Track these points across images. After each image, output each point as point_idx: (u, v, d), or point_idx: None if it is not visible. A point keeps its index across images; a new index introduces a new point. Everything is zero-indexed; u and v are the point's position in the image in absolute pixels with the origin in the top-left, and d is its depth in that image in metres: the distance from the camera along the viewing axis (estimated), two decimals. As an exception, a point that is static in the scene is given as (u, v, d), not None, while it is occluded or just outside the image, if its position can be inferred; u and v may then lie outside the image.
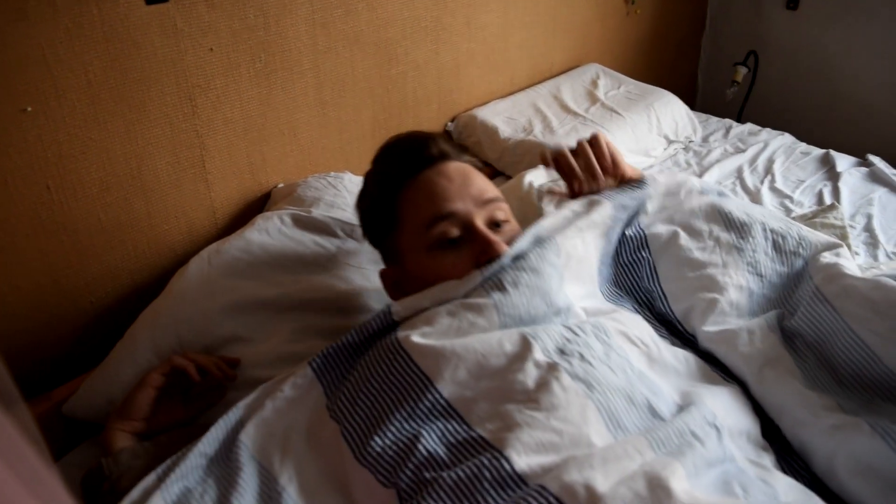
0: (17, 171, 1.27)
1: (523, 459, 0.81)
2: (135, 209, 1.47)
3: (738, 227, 1.22)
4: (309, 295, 1.33)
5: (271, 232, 1.44)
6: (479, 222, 1.11)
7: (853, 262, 1.18)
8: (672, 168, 2.21)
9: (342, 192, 1.60)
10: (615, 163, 1.25)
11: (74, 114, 1.31)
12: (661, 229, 1.24)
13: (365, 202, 1.26)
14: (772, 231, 1.23)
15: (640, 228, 1.26)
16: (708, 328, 1.12)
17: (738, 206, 1.28)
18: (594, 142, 1.24)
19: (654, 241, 1.24)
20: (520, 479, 0.79)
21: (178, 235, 1.56)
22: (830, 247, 1.22)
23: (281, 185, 1.70)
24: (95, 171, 1.38)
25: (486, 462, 0.81)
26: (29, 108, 1.25)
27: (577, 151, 1.25)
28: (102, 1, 1.29)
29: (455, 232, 1.10)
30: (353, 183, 1.64)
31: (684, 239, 1.22)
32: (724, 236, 1.21)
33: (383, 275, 1.23)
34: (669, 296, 1.20)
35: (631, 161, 2.12)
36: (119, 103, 1.37)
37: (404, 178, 1.16)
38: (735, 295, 1.14)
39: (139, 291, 1.52)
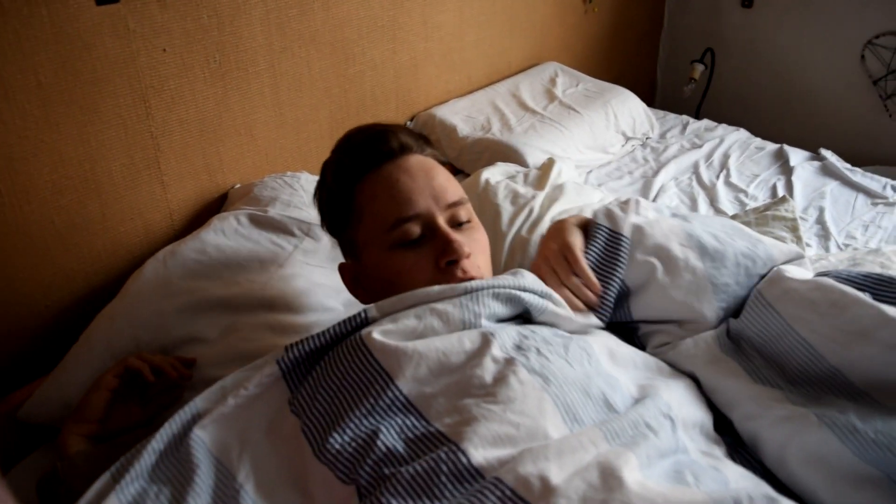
0: (-34, 175, 1.26)
1: (480, 453, 0.81)
2: (89, 212, 1.46)
3: (711, 256, 1.18)
4: (266, 293, 1.34)
5: (227, 232, 1.44)
6: (442, 221, 1.09)
7: (805, 272, 1.19)
8: (630, 164, 2.24)
9: (299, 192, 1.60)
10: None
11: (25, 116, 1.30)
12: (638, 259, 1.19)
13: (322, 193, 1.22)
14: (743, 256, 1.21)
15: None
16: (656, 341, 1.16)
17: (704, 229, 1.24)
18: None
19: (629, 276, 1.20)
20: (476, 473, 0.80)
21: (135, 237, 1.55)
22: (793, 259, 1.23)
23: (238, 186, 1.69)
24: (48, 173, 1.36)
25: (443, 456, 0.82)
26: (-23, 111, 1.24)
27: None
28: (51, 2, 1.28)
29: (416, 231, 1.09)
30: (309, 182, 1.64)
31: (661, 273, 1.17)
32: (700, 267, 1.17)
33: (342, 269, 1.21)
34: (638, 319, 1.21)
35: (588, 158, 2.15)
36: (71, 105, 1.36)
37: (364, 170, 1.14)
38: (702, 329, 1.15)
39: (96, 294, 1.51)
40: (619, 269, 1.17)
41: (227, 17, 1.56)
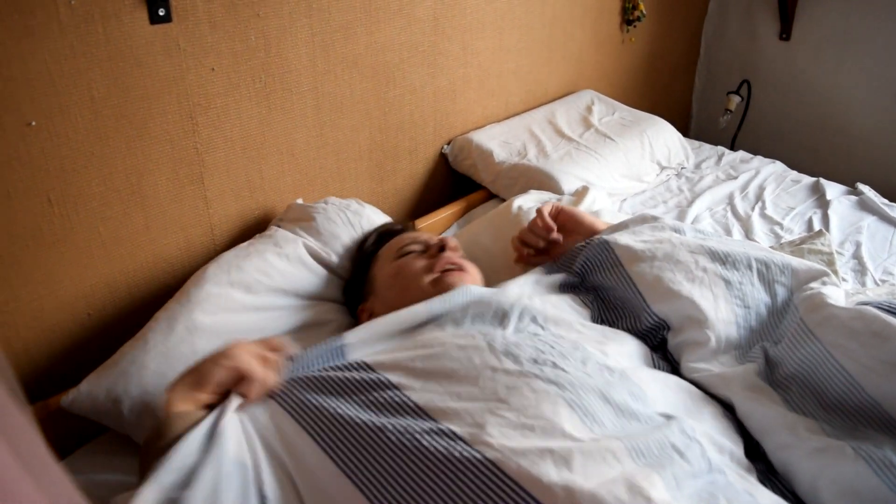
0: (19, 184, 1.30)
1: (496, 441, 0.84)
2: (134, 223, 1.49)
3: (722, 259, 1.25)
4: (320, 319, 1.44)
5: (291, 259, 1.47)
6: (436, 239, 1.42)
7: (839, 290, 1.20)
8: (664, 194, 2.24)
9: (358, 235, 1.60)
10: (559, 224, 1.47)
11: (77, 129, 1.34)
12: (648, 268, 1.28)
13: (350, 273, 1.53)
14: (756, 260, 1.25)
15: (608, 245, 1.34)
16: (694, 364, 1.16)
17: (718, 240, 1.32)
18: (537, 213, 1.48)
19: (626, 257, 1.31)
20: (493, 465, 0.82)
21: (176, 251, 1.58)
22: (818, 275, 1.24)
23: (299, 202, 1.69)
24: (96, 185, 1.40)
25: (457, 455, 0.84)
26: (33, 123, 1.28)
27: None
28: (107, 20, 1.32)
29: (417, 248, 1.40)
30: (370, 223, 1.63)
31: (671, 273, 1.24)
32: (710, 266, 1.24)
33: (361, 310, 1.41)
34: (657, 311, 1.23)
35: (623, 186, 2.15)
36: (121, 120, 1.40)
37: (381, 242, 1.50)
38: (724, 331, 1.17)
39: (136, 305, 1.54)
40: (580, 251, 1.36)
41: (274, 39, 1.60)
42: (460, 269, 1.34)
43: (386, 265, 1.40)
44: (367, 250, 1.50)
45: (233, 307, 1.36)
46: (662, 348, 1.25)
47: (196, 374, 1.01)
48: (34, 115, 1.28)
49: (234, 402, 0.98)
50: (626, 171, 2.19)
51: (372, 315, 1.36)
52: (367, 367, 1.02)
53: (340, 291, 1.52)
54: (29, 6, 1.22)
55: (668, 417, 0.96)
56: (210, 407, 0.99)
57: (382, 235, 1.53)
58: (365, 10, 1.76)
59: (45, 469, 0.44)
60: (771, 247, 1.85)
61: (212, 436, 0.90)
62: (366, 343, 1.13)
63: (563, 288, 1.33)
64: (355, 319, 1.46)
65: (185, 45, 1.45)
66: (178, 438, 0.90)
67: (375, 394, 0.96)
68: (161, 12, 1.38)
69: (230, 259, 1.44)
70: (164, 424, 0.94)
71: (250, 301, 1.38)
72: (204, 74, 1.50)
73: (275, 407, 1.00)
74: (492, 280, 1.46)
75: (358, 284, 1.47)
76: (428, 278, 1.31)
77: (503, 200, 2.01)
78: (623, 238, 1.33)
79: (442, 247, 1.37)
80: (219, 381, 1.00)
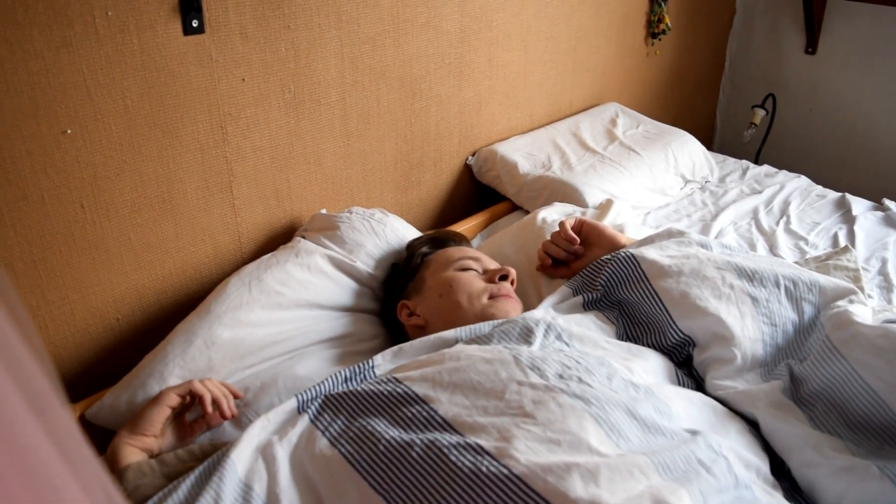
0: (53, 190, 1.32)
1: (523, 457, 0.84)
2: (163, 231, 1.51)
3: (749, 276, 1.24)
4: (341, 331, 1.44)
5: (312, 269, 1.47)
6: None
7: (866, 308, 1.19)
8: (688, 207, 2.24)
9: (382, 244, 1.61)
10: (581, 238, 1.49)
11: (111, 137, 1.37)
12: (674, 284, 1.28)
13: (398, 265, 1.55)
14: (783, 277, 1.25)
15: (638, 265, 1.32)
16: (719, 381, 1.16)
17: (745, 256, 1.32)
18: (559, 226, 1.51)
19: (652, 272, 1.31)
20: (520, 481, 0.82)
21: (204, 258, 1.61)
22: (845, 293, 1.24)
23: (323, 212, 1.71)
24: (128, 192, 1.43)
25: (483, 469, 0.84)
26: (69, 131, 1.31)
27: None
28: (142, 31, 1.35)
29: (478, 267, 1.42)
30: (394, 232, 1.66)
31: (697, 289, 1.24)
32: (737, 283, 1.23)
33: (402, 305, 1.42)
34: (683, 327, 1.23)
35: (647, 199, 2.15)
36: (153, 129, 1.42)
37: (435, 248, 1.52)
38: (750, 348, 1.17)
39: (164, 311, 1.56)
40: (606, 265, 1.35)
41: (304, 50, 1.62)
42: (515, 299, 1.38)
43: (440, 272, 1.41)
44: (420, 250, 1.51)
45: (253, 321, 1.36)
46: (688, 365, 1.25)
47: (136, 418, 1.14)
48: (70, 124, 1.31)
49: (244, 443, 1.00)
50: (651, 185, 2.19)
51: (413, 314, 1.40)
52: (395, 381, 1.03)
53: (365, 300, 1.52)
54: (67, 17, 1.24)
55: (694, 433, 0.96)
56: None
57: (439, 241, 1.54)
58: (393, 23, 1.78)
59: (86, 466, 0.45)
60: (796, 262, 1.84)
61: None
62: (394, 362, 1.17)
63: (587, 306, 1.34)
64: (392, 314, 1.46)
65: (217, 56, 1.47)
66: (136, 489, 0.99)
67: (404, 409, 0.97)
68: (194, 24, 1.40)
69: (251, 271, 1.44)
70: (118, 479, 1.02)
71: (271, 314, 1.38)
72: (235, 85, 1.52)
73: (305, 423, 1.02)
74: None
75: (402, 280, 1.48)
76: (485, 300, 1.34)
77: (527, 212, 2.01)
78: (649, 253, 1.33)
79: (504, 275, 1.40)
80: (161, 418, 1.13)
